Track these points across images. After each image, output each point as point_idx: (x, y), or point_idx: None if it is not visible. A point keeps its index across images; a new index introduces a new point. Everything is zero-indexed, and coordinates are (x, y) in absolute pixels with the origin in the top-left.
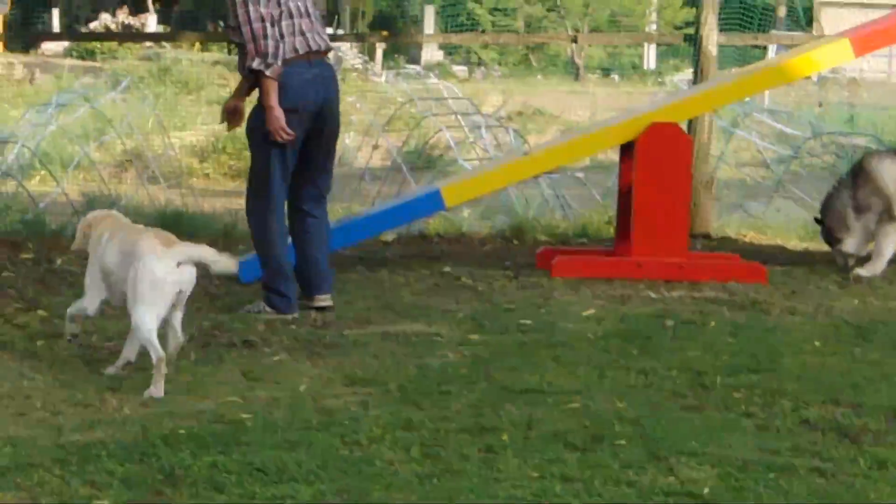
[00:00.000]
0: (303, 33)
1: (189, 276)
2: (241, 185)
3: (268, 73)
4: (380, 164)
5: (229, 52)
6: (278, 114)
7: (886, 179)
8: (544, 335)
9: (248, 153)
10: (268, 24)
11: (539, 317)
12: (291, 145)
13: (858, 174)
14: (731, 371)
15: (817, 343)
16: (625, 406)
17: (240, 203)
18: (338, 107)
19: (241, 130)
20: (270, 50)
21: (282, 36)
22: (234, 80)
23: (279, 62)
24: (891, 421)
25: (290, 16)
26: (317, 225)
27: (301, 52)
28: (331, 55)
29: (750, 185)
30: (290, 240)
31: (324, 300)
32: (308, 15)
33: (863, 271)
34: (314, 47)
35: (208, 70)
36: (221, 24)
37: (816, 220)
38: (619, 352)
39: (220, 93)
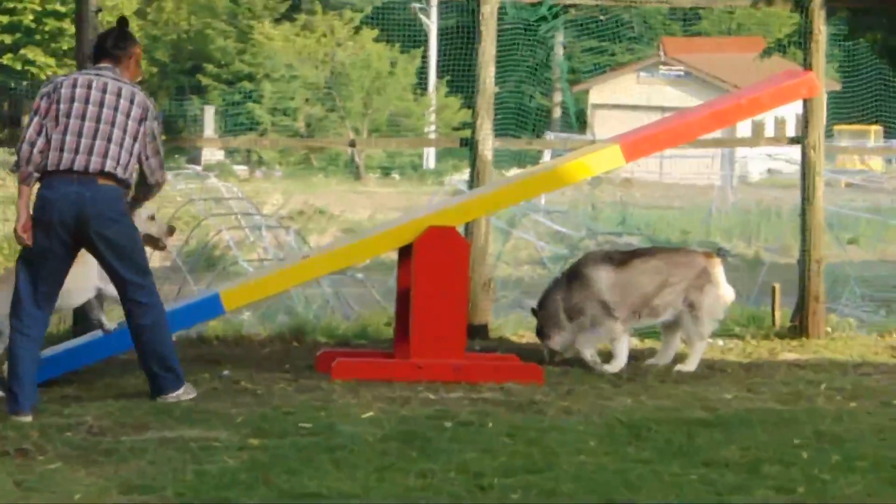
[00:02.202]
0: (80, 152)
1: None
2: None
3: (15, 173)
4: (160, 264)
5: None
6: (20, 217)
7: (601, 285)
8: (324, 438)
9: None
10: (35, 134)
11: (319, 420)
12: (41, 254)
13: (574, 278)
14: (509, 472)
15: (592, 443)
16: None
17: None
18: (107, 228)
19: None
20: (23, 155)
21: (53, 148)
22: (11, 178)
23: (31, 168)
24: None
25: (79, 134)
26: (138, 334)
27: (63, 168)
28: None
29: (528, 282)
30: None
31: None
32: (99, 137)
33: (609, 367)
34: (79, 167)
35: None
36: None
37: (533, 312)
38: (399, 454)
39: None
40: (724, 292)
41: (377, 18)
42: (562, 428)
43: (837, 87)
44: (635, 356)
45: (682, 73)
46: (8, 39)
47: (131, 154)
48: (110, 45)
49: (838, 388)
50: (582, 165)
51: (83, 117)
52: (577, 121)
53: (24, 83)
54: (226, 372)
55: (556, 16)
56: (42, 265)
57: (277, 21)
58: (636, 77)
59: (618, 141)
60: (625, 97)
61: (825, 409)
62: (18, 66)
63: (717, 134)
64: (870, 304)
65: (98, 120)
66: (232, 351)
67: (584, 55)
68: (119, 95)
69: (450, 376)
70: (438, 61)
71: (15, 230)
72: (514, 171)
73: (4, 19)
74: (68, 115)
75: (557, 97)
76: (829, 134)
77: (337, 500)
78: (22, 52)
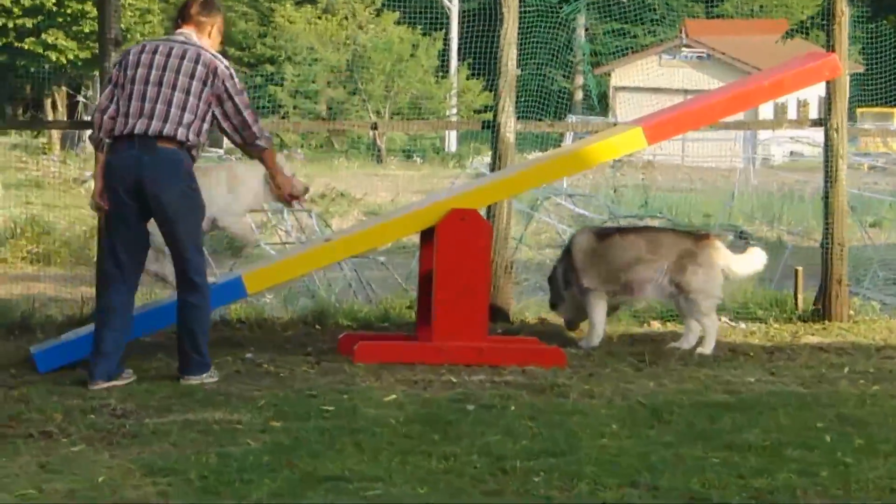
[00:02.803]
0: (141, 116)
1: None
2: (40, 271)
3: (89, 140)
4: None
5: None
6: (96, 184)
7: (576, 250)
8: (346, 421)
9: (46, 237)
10: (106, 101)
11: (341, 403)
12: (116, 221)
13: (566, 249)
14: (531, 455)
15: (614, 426)
16: (426, 492)
17: (39, 288)
18: (162, 191)
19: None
20: (95, 122)
21: (121, 114)
22: (32, 162)
23: (101, 134)
24: (686, 502)
25: (142, 98)
26: (179, 308)
27: (127, 133)
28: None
29: (549, 266)
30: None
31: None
32: (160, 101)
33: (583, 343)
34: (139, 131)
35: (6, 154)
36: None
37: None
38: (421, 437)
39: (18, 176)
40: (718, 272)
41: (398, 1)
42: (584, 411)
43: (860, 69)
44: (656, 339)
45: (704, 55)
46: (29, 23)
47: (196, 115)
48: (195, 12)
49: (861, 371)
50: (604, 148)
51: (146, 82)
52: (600, 103)
53: (46, 67)
54: (248, 355)
55: None
56: (118, 232)
57: (299, 4)
58: (658, 59)
59: (640, 123)
60: (647, 79)
61: (848, 392)
62: (40, 50)
63: (740, 116)
64: (893, 287)
65: (160, 84)
66: (254, 334)
67: (606, 37)
68: (183, 58)
69: (472, 359)
70: (460, 44)
71: (92, 199)
72: (535, 154)
73: (26, 2)
74: (133, 81)
75: (579, 80)
76: (851, 116)
77: (359, 482)
78: (43, 35)
